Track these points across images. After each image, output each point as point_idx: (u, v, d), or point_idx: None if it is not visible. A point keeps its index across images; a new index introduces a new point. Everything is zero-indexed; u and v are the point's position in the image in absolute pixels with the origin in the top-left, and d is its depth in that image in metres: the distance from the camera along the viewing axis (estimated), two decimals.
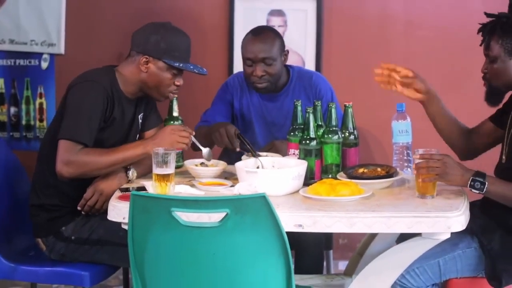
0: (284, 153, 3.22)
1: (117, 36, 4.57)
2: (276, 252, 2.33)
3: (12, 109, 4.82)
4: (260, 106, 3.71)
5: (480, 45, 3.00)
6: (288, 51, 3.70)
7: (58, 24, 4.67)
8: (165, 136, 3.04)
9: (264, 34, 3.61)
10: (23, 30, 4.71)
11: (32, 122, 4.81)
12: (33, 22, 4.70)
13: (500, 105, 3.11)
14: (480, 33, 3.00)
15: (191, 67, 3.21)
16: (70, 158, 2.97)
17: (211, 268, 2.35)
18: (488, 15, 2.98)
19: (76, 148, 2.98)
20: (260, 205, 2.27)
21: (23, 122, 4.83)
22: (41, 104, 4.79)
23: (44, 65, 4.75)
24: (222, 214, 2.28)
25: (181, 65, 3.16)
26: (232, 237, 2.31)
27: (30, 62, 4.77)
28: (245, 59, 3.61)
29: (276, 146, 3.39)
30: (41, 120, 4.80)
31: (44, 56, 4.73)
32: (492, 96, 3.03)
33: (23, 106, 4.81)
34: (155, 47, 3.14)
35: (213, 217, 2.34)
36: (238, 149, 3.32)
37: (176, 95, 3.31)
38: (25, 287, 4.13)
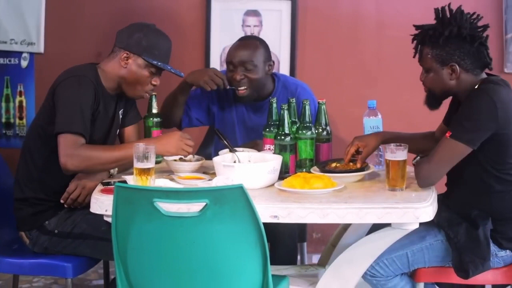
0: None
1: (96, 35, 4.64)
2: (253, 241, 2.42)
3: None
4: (242, 113, 3.75)
5: (413, 57, 3.07)
6: (274, 62, 3.71)
7: (37, 24, 4.71)
8: (172, 141, 3.10)
9: (248, 41, 3.67)
10: (3, 29, 4.75)
11: (12, 120, 4.85)
12: (12, 21, 4.73)
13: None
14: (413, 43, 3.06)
15: (169, 67, 3.28)
16: (74, 151, 3.01)
17: (191, 256, 2.43)
18: (416, 27, 3.04)
19: (77, 140, 3.04)
20: (237, 196, 2.35)
21: (3, 120, 4.86)
22: (21, 102, 4.82)
23: (24, 63, 4.78)
24: (202, 205, 2.37)
25: (159, 63, 3.23)
26: (211, 227, 2.39)
27: (10, 60, 4.80)
28: (227, 63, 3.64)
29: (258, 145, 3.44)
30: (20, 118, 4.84)
31: (24, 55, 4.77)
32: (430, 101, 3.09)
33: (3, 104, 4.84)
34: (137, 44, 3.22)
35: (193, 208, 2.42)
36: (228, 87, 3.44)
37: (154, 93, 3.40)
38: (6, 282, 4.21)
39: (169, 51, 3.31)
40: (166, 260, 2.46)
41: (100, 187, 2.96)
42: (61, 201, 3.17)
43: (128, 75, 3.24)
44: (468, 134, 2.87)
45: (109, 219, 2.78)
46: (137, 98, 3.37)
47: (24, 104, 4.83)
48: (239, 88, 3.60)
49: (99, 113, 3.21)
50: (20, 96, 4.83)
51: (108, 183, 2.99)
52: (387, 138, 3.19)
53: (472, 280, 2.97)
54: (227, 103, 3.77)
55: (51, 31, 4.72)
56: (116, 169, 3.16)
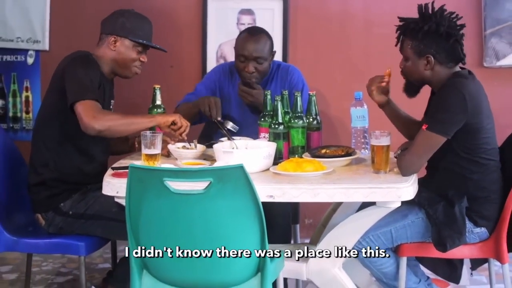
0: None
1: (98, 33, 4.75)
2: (252, 215, 2.63)
3: (0, 102, 5.04)
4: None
5: (396, 45, 3.29)
6: (275, 51, 3.96)
7: (42, 22, 4.88)
8: (171, 115, 3.38)
9: (259, 35, 3.88)
10: (10, 28, 4.92)
11: (18, 114, 5.03)
12: (19, 20, 4.91)
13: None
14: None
15: (154, 44, 3.57)
16: (97, 113, 3.23)
17: (196, 229, 2.63)
18: (400, 19, 3.27)
19: (97, 104, 3.26)
20: (238, 174, 2.56)
21: (10, 114, 5.04)
22: (27, 97, 5.00)
23: (30, 60, 4.96)
24: (206, 183, 2.58)
25: (144, 41, 3.53)
26: (215, 202, 2.59)
27: (16, 58, 4.98)
28: (239, 55, 3.87)
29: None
30: (27, 112, 5.02)
31: (30, 52, 4.94)
32: (408, 89, 3.33)
33: (10, 99, 5.02)
34: (122, 28, 3.52)
35: (198, 186, 2.62)
36: (219, 119, 3.66)
37: (158, 86, 3.63)
38: (16, 266, 4.44)
39: (151, 31, 3.60)
40: (174, 233, 2.65)
41: (110, 171, 3.17)
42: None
43: (118, 57, 3.52)
44: (442, 125, 3.10)
45: (119, 201, 3.02)
46: (130, 76, 3.60)
47: (30, 99, 5.00)
48: (249, 80, 3.86)
49: (100, 93, 3.44)
50: (27, 91, 5.00)
51: (118, 168, 3.20)
52: (392, 108, 3.44)
53: (450, 254, 3.19)
54: (227, 85, 4.00)
55: (56, 30, 4.89)
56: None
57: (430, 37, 3.18)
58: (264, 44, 3.88)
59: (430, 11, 3.22)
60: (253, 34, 3.91)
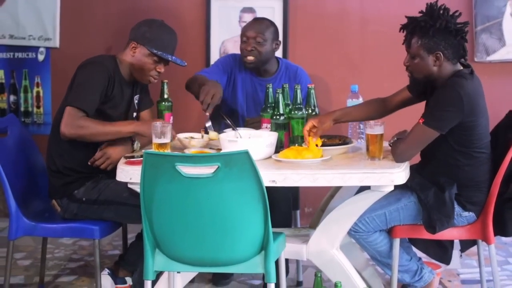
0: None
1: (106, 32, 4.99)
2: (256, 197, 2.81)
3: (12, 97, 5.21)
4: (251, 88, 4.15)
5: (403, 43, 3.38)
6: (280, 42, 4.15)
7: (53, 21, 5.06)
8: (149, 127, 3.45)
9: (262, 20, 4.14)
10: (22, 26, 5.10)
11: (30, 109, 5.20)
12: (30, 19, 5.09)
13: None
14: (403, 32, 3.37)
15: (170, 57, 3.70)
16: (72, 121, 3.46)
17: (205, 210, 2.82)
18: (408, 18, 3.36)
19: (78, 114, 3.48)
20: (244, 159, 2.74)
21: (22, 108, 5.21)
22: (38, 92, 5.17)
23: (41, 57, 5.13)
24: (215, 167, 2.76)
25: (159, 52, 3.67)
26: (222, 185, 2.77)
27: (28, 55, 5.15)
28: (242, 36, 4.07)
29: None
30: (38, 107, 5.19)
31: (41, 49, 5.12)
32: (415, 87, 3.46)
33: (22, 95, 5.20)
34: (142, 36, 3.69)
35: (207, 170, 2.80)
36: (207, 113, 3.70)
37: (166, 80, 3.83)
38: (29, 253, 4.62)
39: (171, 43, 3.73)
40: (184, 214, 2.84)
41: (123, 160, 3.36)
42: (89, 163, 3.59)
43: (136, 62, 3.70)
44: (438, 122, 3.27)
45: (132, 186, 3.22)
46: (145, 83, 3.78)
47: (41, 94, 5.17)
48: (248, 57, 4.05)
49: (114, 96, 3.64)
50: (37, 87, 5.16)
51: (131, 157, 3.38)
52: (337, 115, 3.54)
53: (440, 236, 3.37)
54: (237, 73, 4.18)
55: (66, 28, 5.06)
56: (139, 146, 3.60)
57: (440, 34, 3.28)
58: (265, 26, 4.09)
59: (437, 9, 3.31)
60: (257, 19, 4.20)
